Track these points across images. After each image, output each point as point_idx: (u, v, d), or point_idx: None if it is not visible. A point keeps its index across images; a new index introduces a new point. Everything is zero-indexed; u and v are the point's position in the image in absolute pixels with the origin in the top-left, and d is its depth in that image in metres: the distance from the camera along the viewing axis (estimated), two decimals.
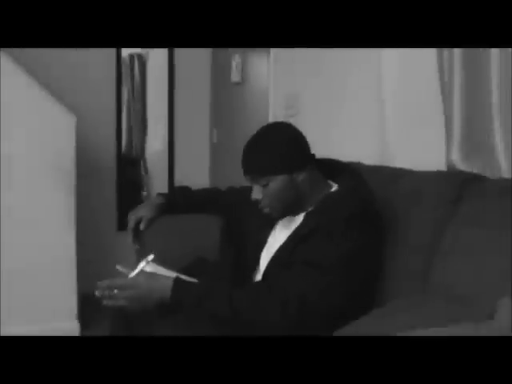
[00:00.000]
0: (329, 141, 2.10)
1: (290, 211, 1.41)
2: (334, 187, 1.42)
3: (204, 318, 1.25)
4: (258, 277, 1.45)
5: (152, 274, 1.33)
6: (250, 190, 1.47)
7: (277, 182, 1.35)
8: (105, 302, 1.30)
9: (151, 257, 1.39)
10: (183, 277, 1.37)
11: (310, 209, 1.39)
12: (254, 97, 2.98)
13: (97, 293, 1.31)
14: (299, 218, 1.39)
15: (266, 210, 1.40)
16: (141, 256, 1.67)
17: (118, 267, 1.39)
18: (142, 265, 1.37)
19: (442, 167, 1.58)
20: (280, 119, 2.49)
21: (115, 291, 1.29)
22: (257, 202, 1.39)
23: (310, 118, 2.36)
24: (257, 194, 1.38)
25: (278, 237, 1.43)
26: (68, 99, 2.78)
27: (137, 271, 1.35)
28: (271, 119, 2.65)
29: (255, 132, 1.40)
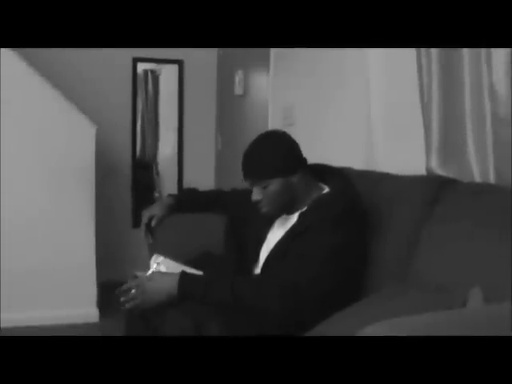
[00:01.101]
0: (321, 147, 2.11)
1: (285, 210, 1.43)
2: (326, 189, 1.44)
3: (209, 306, 1.26)
4: (258, 269, 1.46)
5: (161, 273, 1.36)
6: (250, 191, 1.49)
7: (274, 185, 1.37)
8: (127, 306, 1.33)
9: (161, 258, 1.43)
10: (189, 269, 1.39)
11: (303, 208, 1.40)
12: (255, 108, 3.00)
13: (122, 299, 1.34)
14: (294, 217, 1.41)
15: (265, 210, 1.41)
16: (152, 250, 1.68)
17: (136, 273, 1.42)
18: (154, 266, 1.41)
19: (422, 172, 1.59)
20: (278, 128, 2.50)
21: (133, 291, 1.32)
22: (257, 202, 1.40)
23: (305, 126, 2.37)
24: (256, 195, 1.40)
25: (276, 234, 1.45)
26: (89, 110, 2.80)
27: (150, 272, 1.39)
28: (270, 128, 2.66)
29: (253, 140, 1.42)
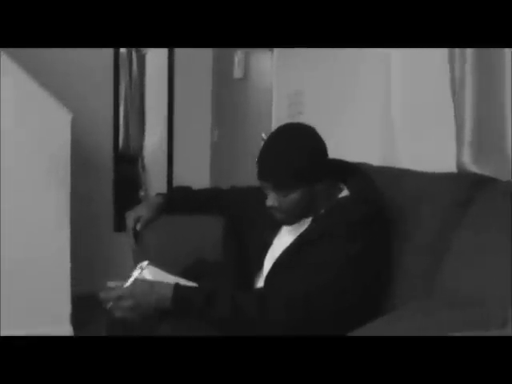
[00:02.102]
0: (333, 140, 2.11)
1: (302, 218, 1.42)
2: (344, 191, 1.44)
3: (207, 324, 1.26)
4: (261, 280, 1.46)
5: (148, 283, 1.33)
6: (253, 189, 1.49)
7: (297, 194, 1.35)
8: (116, 315, 1.32)
9: (145, 263, 1.41)
10: (182, 281, 1.38)
11: (318, 213, 1.40)
12: (257, 94, 3.00)
13: (108, 305, 1.32)
14: (306, 221, 1.41)
15: (280, 218, 1.41)
16: (138, 258, 1.68)
17: (110, 284, 1.39)
18: (135, 273, 1.37)
19: (452, 168, 1.59)
20: (284, 117, 2.50)
21: (111, 303, 1.31)
22: (271, 208, 1.39)
23: (315, 116, 2.38)
24: (273, 201, 1.38)
25: (284, 239, 1.45)
26: (64, 95, 2.79)
27: (130, 281, 1.34)
28: (275, 117, 2.66)
29: (274, 133, 1.40)
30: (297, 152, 1.34)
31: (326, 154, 1.40)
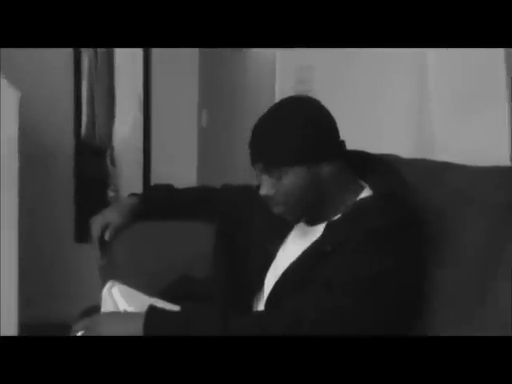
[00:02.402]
0: (352, 127, 2.11)
1: (310, 215, 1.43)
2: (366, 190, 1.44)
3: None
4: (262, 302, 1.47)
5: (111, 316, 1.40)
6: (252, 189, 1.49)
7: (293, 175, 1.37)
8: None
9: (114, 282, 1.46)
10: (161, 303, 1.39)
11: (333, 217, 1.41)
12: (256, 67, 3.01)
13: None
14: (318, 229, 1.41)
15: (278, 210, 1.41)
16: (106, 275, 1.69)
17: (73, 327, 1.42)
18: (104, 294, 1.47)
19: (504, 162, 1.59)
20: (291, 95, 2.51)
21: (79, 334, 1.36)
22: (267, 198, 1.40)
23: (328, 96, 2.37)
24: (267, 188, 1.39)
25: (290, 251, 1.45)
26: (10, 70, 2.79)
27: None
28: (278, 96, 2.67)
29: (271, 107, 1.42)
30: (292, 123, 1.36)
31: (332, 130, 1.41)
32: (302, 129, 1.36)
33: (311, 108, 1.41)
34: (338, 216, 1.40)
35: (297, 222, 1.46)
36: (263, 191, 1.40)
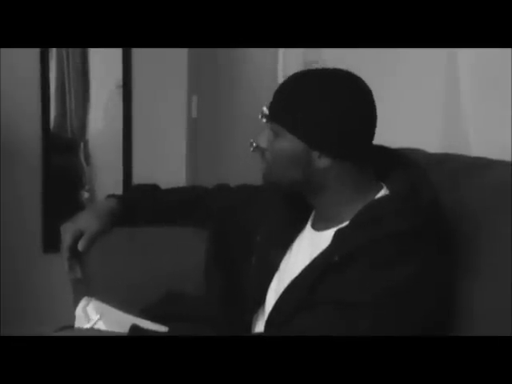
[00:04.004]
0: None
1: (294, 187, 1.46)
2: (383, 190, 1.45)
3: None
4: (262, 321, 1.47)
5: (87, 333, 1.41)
6: (251, 189, 1.50)
7: (284, 140, 1.41)
8: None
9: (84, 302, 1.50)
10: (145, 324, 1.42)
11: (343, 222, 1.42)
12: (258, 48, 3.02)
13: None
14: (327, 236, 1.42)
15: (264, 171, 1.47)
16: (80, 291, 1.70)
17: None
18: (79, 311, 1.50)
19: None
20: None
21: None
22: (257, 150, 1.46)
23: None
24: (261, 139, 1.45)
25: (296, 261, 1.46)
26: None
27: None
28: (281, 80, 2.68)
29: (322, 68, 1.47)
30: (319, 93, 1.40)
31: (372, 137, 1.44)
32: (342, 116, 1.39)
33: (364, 96, 1.44)
34: (350, 220, 1.41)
35: (276, 184, 1.49)
36: (258, 141, 1.46)
